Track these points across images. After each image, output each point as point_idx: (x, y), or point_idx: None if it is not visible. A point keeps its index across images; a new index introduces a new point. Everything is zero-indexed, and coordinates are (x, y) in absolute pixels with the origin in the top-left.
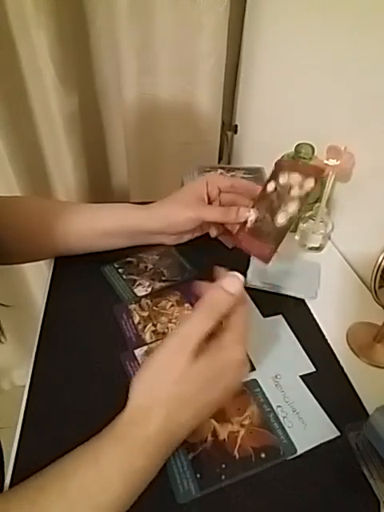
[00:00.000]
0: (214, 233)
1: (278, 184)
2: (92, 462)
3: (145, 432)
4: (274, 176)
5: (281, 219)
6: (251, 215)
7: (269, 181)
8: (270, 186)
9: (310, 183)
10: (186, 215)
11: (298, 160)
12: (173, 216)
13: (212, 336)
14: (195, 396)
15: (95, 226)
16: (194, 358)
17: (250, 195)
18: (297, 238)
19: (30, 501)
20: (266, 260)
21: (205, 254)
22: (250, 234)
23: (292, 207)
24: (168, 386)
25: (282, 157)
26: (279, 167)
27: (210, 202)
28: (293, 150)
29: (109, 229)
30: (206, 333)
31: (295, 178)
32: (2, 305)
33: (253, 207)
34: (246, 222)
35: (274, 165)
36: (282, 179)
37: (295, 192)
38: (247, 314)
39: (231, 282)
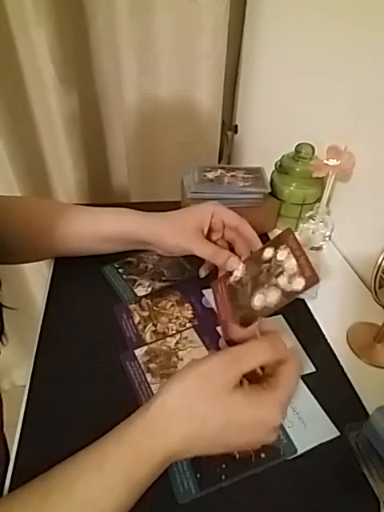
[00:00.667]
0: (202, 274)
1: (275, 256)
2: (97, 467)
3: (156, 445)
4: (277, 244)
5: (257, 302)
6: (237, 271)
7: (270, 246)
8: (268, 253)
9: (298, 285)
10: (177, 242)
11: (302, 252)
12: (164, 237)
13: (256, 383)
14: (219, 431)
15: (95, 230)
16: (233, 386)
17: (249, 246)
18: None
19: (33, 506)
20: (223, 328)
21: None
22: (227, 291)
23: (271, 297)
24: (198, 399)
25: (282, 157)
26: (285, 239)
27: (210, 233)
28: (293, 149)
29: (109, 234)
30: (257, 365)
31: (291, 264)
32: (7, 307)
33: (243, 262)
34: (231, 273)
35: (283, 231)
36: (281, 255)
37: (282, 281)
38: (297, 382)
39: (288, 339)
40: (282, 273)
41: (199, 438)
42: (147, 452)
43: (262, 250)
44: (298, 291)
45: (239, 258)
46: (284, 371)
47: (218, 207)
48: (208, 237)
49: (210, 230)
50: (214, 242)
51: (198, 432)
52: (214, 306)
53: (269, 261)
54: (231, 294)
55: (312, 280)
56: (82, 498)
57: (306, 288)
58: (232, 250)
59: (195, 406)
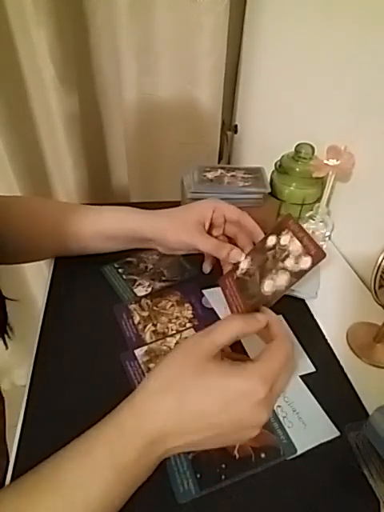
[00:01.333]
0: (207, 269)
1: (278, 242)
2: (86, 451)
3: (138, 423)
4: (278, 231)
5: (267, 287)
6: (243, 263)
7: (272, 234)
8: (271, 241)
9: (306, 263)
10: (179, 238)
11: (304, 233)
12: (166, 233)
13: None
14: (199, 403)
15: (97, 228)
16: (211, 358)
17: (252, 238)
18: None
19: (24, 495)
20: None
21: (205, 254)
22: (236, 284)
23: (281, 280)
24: (176, 374)
25: (282, 157)
26: (286, 224)
27: (211, 229)
28: (293, 149)
29: (110, 232)
30: (229, 335)
31: (296, 246)
32: (9, 299)
33: (247, 255)
34: (237, 267)
35: (283, 218)
36: (284, 240)
37: (289, 263)
38: (285, 360)
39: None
40: (287, 256)
41: (182, 412)
42: (130, 431)
43: (265, 239)
44: (306, 269)
45: (242, 250)
46: (268, 347)
47: (219, 202)
48: (209, 232)
49: (211, 225)
50: (216, 238)
51: (179, 405)
52: (223, 302)
53: (273, 248)
54: (240, 286)
55: (318, 256)
56: (72, 484)
57: (313, 264)
58: (234, 245)
59: (174, 380)
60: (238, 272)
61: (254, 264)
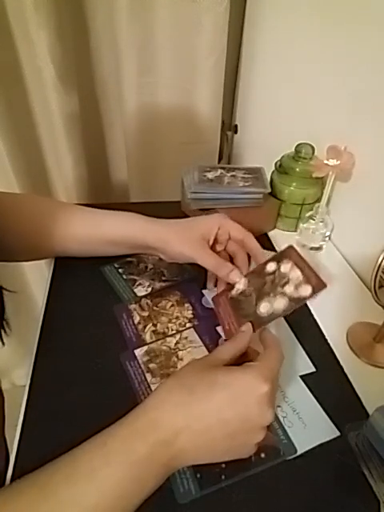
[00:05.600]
0: (210, 287)
1: (278, 269)
2: (102, 442)
3: (149, 420)
4: (279, 259)
5: (263, 309)
6: (239, 284)
7: (272, 260)
8: (271, 267)
9: (306, 291)
10: (180, 250)
11: (305, 264)
12: (168, 243)
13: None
14: (208, 399)
15: (97, 233)
16: (215, 365)
17: (253, 259)
18: (297, 237)
19: (39, 486)
20: (227, 338)
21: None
22: (230, 303)
23: (278, 304)
24: (187, 376)
25: (282, 157)
26: (288, 254)
27: (214, 245)
28: (293, 150)
29: (111, 237)
30: (233, 349)
31: (296, 274)
32: (7, 290)
33: (245, 276)
34: (232, 287)
35: (286, 248)
36: (284, 268)
37: (288, 289)
38: (280, 357)
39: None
40: (287, 283)
41: (191, 407)
42: (142, 427)
43: (264, 264)
44: (305, 297)
45: (239, 270)
46: (265, 351)
47: (226, 220)
48: (212, 248)
49: (215, 241)
50: (217, 253)
51: (188, 400)
52: (219, 319)
53: (272, 273)
54: (235, 306)
55: (319, 286)
56: (85, 474)
57: (313, 293)
58: (232, 262)
59: (183, 381)
60: (233, 292)
61: (250, 286)
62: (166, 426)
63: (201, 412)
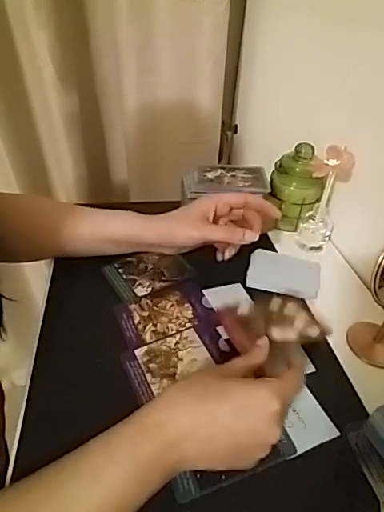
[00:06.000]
0: (226, 256)
1: (283, 307)
2: (107, 441)
3: (156, 420)
4: (284, 301)
5: (275, 334)
6: (242, 309)
7: (275, 299)
8: (275, 304)
9: (314, 331)
10: (187, 234)
11: (309, 312)
12: (171, 234)
13: None
14: (216, 404)
15: (97, 232)
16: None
17: (264, 213)
18: (297, 237)
19: (45, 484)
20: (242, 351)
21: (205, 254)
22: (237, 322)
23: (289, 334)
24: (196, 382)
25: (282, 157)
26: (292, 299)
27: (216, 220)
28: (293, 150)
29: (111, 236)
30: (248, 366)
31: (302, 317)
32: (6, 298)
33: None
34: (235, 310)
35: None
36: (290, 308)
37: (298, 325)
38: (300, 382)
39: (260, 340)
40: (295, 319)
41: (199, 410)
42: (149, 426)
43: (269, 300)
44: (313, 336)
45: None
46: (287, 371)
47: (221, 195)
48: (215, 223)
49: (216, 216)
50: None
51: (196, 403)
52: (224, 334)
53: (278, 308)
54: (243, 324)
55: (325, 331)
56: (90, 471)
57: (321, 336)
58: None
59: (193, 386)
60: (239, 311)
61: (257, 311)
62: (172, 429)
63: (208, 420)
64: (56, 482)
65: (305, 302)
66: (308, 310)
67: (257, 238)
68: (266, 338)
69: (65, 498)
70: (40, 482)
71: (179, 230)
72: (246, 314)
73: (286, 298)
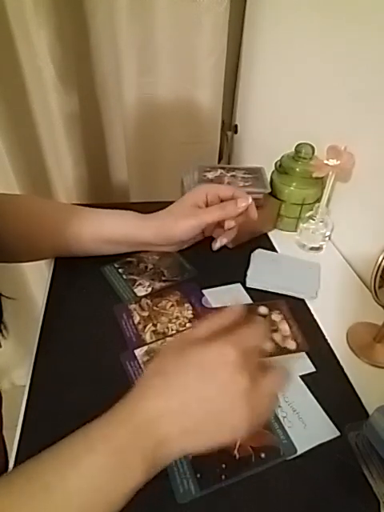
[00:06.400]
0: (222, 241)
1: (269, 315)
2: (83, 432)
3: (128, 403)
4: (272, 307)
5: None
6: None
7: (265, 305)
8: (263, 310)
9: (291, 345)
10: (185, 224)
11: (294, 322)
12: (169, 229)
13: None
14: (178, 363)
15: (97, 232)
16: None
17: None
18: (297, 237)
19: (26, 475)
20: None
21: (205, 254)
22: None
23: (266, 345)
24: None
25: (282, 157)
26: (279, 306)
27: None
28: (293, 150)
29: (110, 236)
30: (210, 326)
31: (285, 328)
32: (6, 296)
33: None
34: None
35: (278, 299)
36: (275, 317)
37: (277, 337)
38: (259, 331)
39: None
40: (276, 330)
41: (169, 390)
42: (123, 415)
43: (257, 305)
44: (290, 350)
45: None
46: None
47: (210, 186)
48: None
49: (208, 205)
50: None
51: (166, 385)
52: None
53: (263, 316)
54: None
55: (302, 346)
56: (67, 459)
57: (296, 351)
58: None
59: (161, 367)
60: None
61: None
62: (146, 411)
63: (177, 391)
64: (38, 470)
65: (290, 312)
66: (292, 321)
67: (249, 199)
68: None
69: (46, 484)
70: (24, 472)
71: (176, 223)
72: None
73: (274, 306)
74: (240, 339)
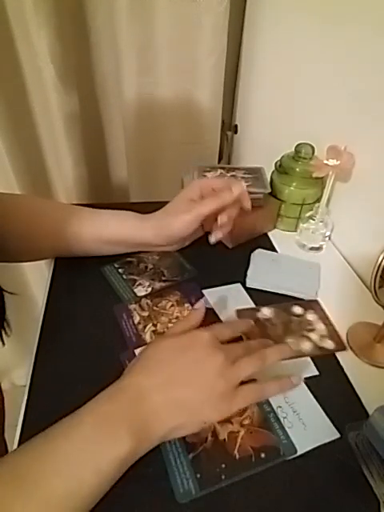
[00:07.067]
0: (218, 235)
1: (304, 315)
2: (74, 412)
3: (116, 384)
4: (306, 306)
5: (290, 343)
6: (265, 310)
7: (299, 305)
8: (297, 309)
9: (329, 345)
10: (183, 220)
11: (329, 321)
12: (167, 227)
13: None
14: (158, 348)
15: (97, 232)
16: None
17: (240, 199)
18: (297, 237)
19: (24, 451)
20: None
21: (205, 254)
22: (257, 326)
23: (304, 345)
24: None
25: (282, 157)
26: (314, 306)
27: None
28: (293, 150)
29: (110, 237)
30: (183, 328)
31: (321, 328)
32: (7, 292)
33: (271, 306)
34: (258, 309)
35: (312, 299)
36: (310, 316)
37: (314, 337)
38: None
39: (198, 303)
40: (312, 330)
41: (149, 367)
42: (109, 394)
43: (291, 304)
44: (328, 349)
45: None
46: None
47: (203, 180)
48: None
49: (203, 198)
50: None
51: (146, 365)
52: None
53: (298, 316)
54: (260, 328)
55: (340, 346)
56: (58, 432)
57: (335, 351)
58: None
59: (141, 357)
60: (259, 315)
61: (277, 318)
62: (130, 387)
63: (158, 368)
64: (30, 445)
65: (324, 312)
66: (327, 320)
67: (243, 185)
68: (202, 302)
69: (38, 455)
70: (18, 450)
71: (173, 220)
72: (266, 319)
73: (309, 305)
74: (215, 327)
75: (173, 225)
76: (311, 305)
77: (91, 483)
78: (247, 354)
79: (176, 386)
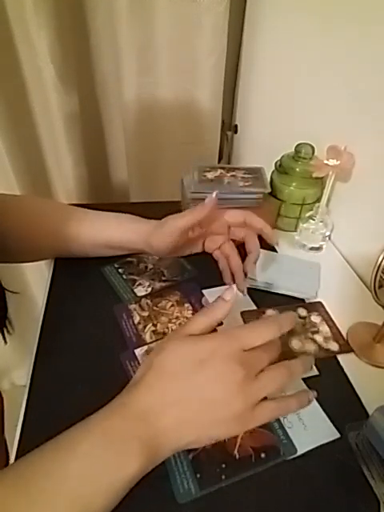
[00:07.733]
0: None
1: (308, 317)
2: (82, 422)
3: (123, 396)
4: (310, 308)
5: (295, 345)
6: (270, 311)
7: (303, 307)
8: (302, 312)
9: (334, 347)
10: (174, 223)
11: (333, 323)
12: (149, 237)
13: None
14: (169, 355)
15: (96, 235)
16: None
17: (262, 235)
18: (297, 237)
19: (30, 463)
20: None
21: (205, 254)
22: None
23: (309, 347)
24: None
25: (282, 157)
26: (317, 308)
27: (207, 234)
28: (293, 150)
29: (109, 239)
30: (199, 328)
31: (325, 329)
32: (9, 291)
33: (276, 308)
34: (263, 312)
35: (316, 301)
36: (314, 318)
37: (318, 338)
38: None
39: (227, 292)
40: (317, 332)
41: (161, 383)
42: (117, 408)
43: (295, 306)
44: (333, 351)
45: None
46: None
47: (218, 210)
48: (215, 244)
49: (213, 233)
50: (220, 246)
51: (158, 379)
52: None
53: (303, 318)
54: None
55: (345, 348)
56: (66, 446)
57: (339, 352)
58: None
59: (155, 364)
60: (264, 317)
61: None
62: (140, 404)
63: (172, 383)
64: (37, 459)
65: (328, 314)
66: (331, 322)
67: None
68: (234, 288)
69: (45, 471)
70: (22, 462)
71: (158, 231)
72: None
73: (313, 307)
74: (239, 334)
75: (155, 235)
76: (315, 306)
77: (99, 502)
78: (271, 363)
79: (189, 406)
